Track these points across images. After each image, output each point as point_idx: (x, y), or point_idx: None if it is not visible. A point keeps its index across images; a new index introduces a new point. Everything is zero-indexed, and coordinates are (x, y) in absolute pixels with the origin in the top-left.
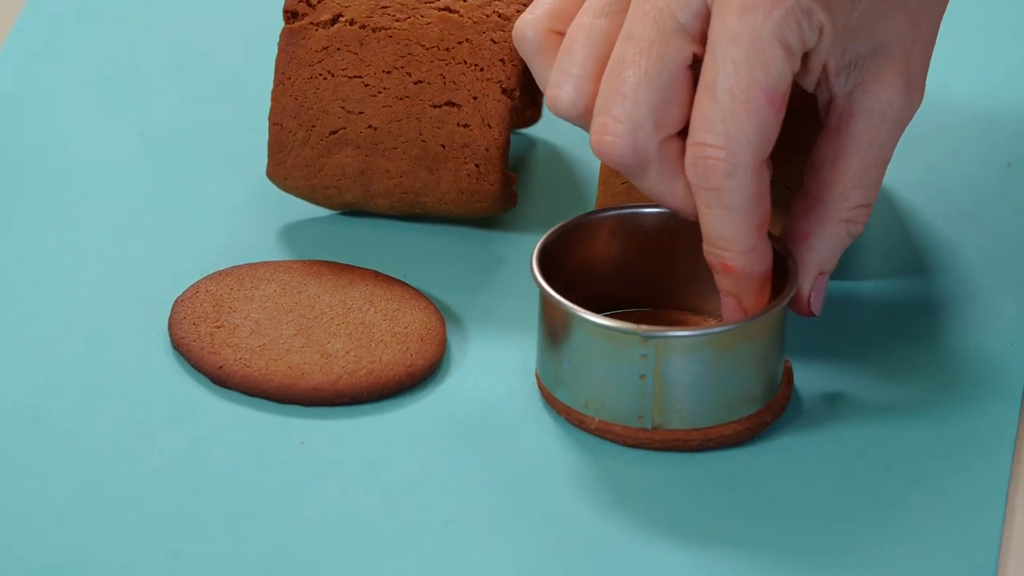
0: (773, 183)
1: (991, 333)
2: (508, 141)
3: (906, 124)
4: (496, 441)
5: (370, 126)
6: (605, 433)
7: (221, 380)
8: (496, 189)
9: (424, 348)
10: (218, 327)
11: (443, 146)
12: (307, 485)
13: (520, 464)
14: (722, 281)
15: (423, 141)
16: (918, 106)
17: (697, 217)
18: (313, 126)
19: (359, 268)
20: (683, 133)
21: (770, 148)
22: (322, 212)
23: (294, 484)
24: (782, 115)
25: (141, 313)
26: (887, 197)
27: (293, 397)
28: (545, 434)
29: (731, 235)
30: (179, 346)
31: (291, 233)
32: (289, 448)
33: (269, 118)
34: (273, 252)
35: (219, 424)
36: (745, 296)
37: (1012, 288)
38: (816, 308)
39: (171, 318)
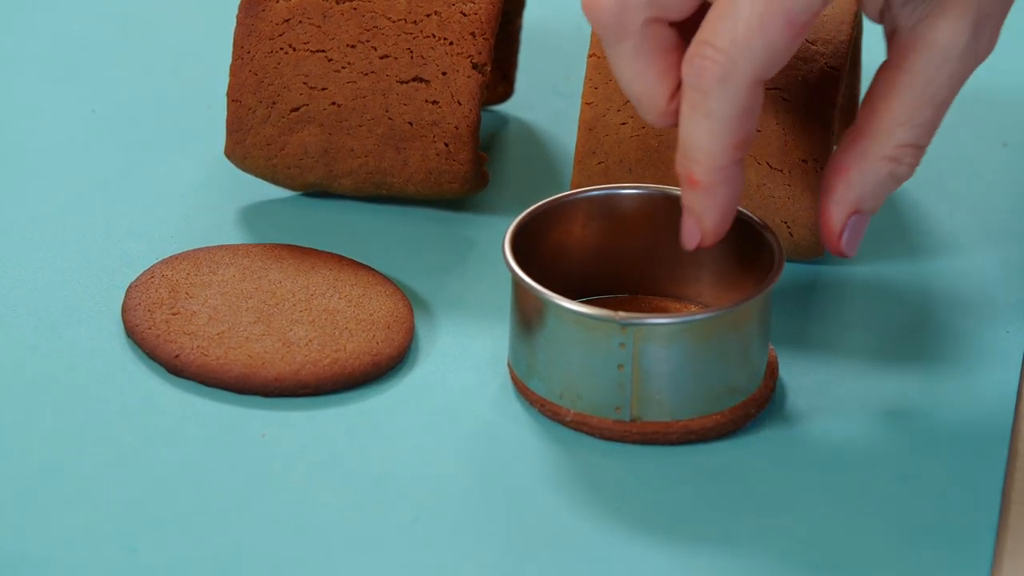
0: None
1: (985, 321)
2: (479, 119)
3: (970, 71)
4: (466, 434)
5: (334, 103)
6: (581, 426)
7: (177, 370)
8: (466, 169)
9: (391, 336)
10: (174, 314)
11: (411, 124)
12: (268, 479)
13: (492, 458)
14: (686, 196)
15: (390, 119)
16: (987, 54)
17: (654, 118)
18: (274, 103)
19: (322, 252)
20: (680, 28)
21: (773, 71)
22: (284, 193)
23: (254, 478)
24: (797, 43)
25: (93, 299)
26: None
27: (253, 387)
28: (518, 427)
29: (706, 146)
30: (133, 334)
31: (251, 215)
32: (249, 441)
33: (227, 94)
34: (232, 235)
35: (176, 416)
36: (706, 217)
37: (1007, 273)
38: (850, 249)
39: (125, 304)
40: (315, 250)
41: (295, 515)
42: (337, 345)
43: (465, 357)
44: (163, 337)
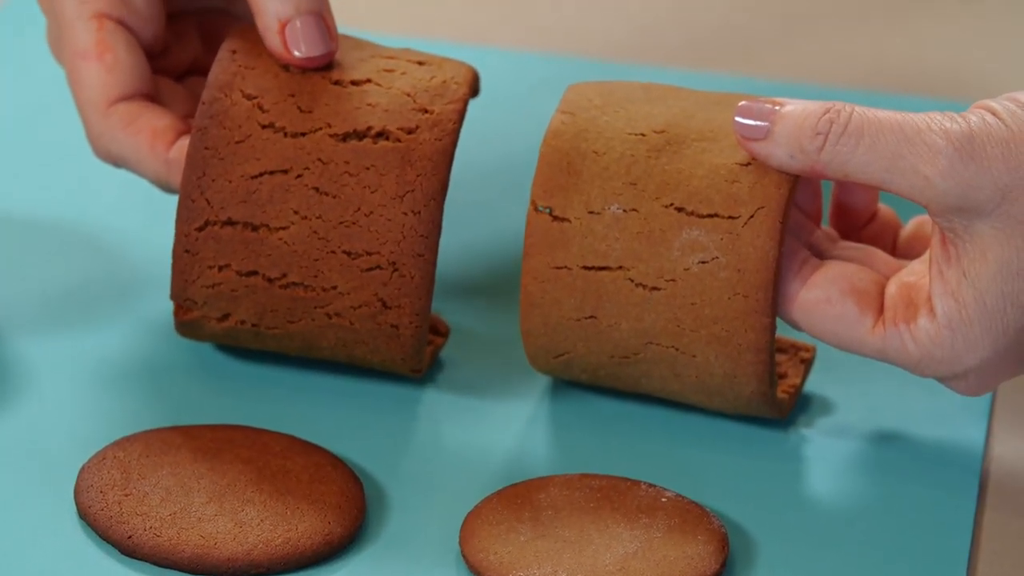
0: None
1: None
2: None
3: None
4: None
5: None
6: None
7: (130, 551)
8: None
9: (342, 516)
10: (126, 495)
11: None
12: None
13: None
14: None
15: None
16: None
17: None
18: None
19: (273, 432)
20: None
21: None
22: (235, 372)
23: None
24: None
25: (45, 481)
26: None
27: (206, 568)
28: None
29: None
30: (86, 515)
31: (202, 393)
32: None
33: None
34: (183, 415)
35: None
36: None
37: None
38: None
39: (77, 485)
40: (266, 431)
41: None
42: (289, 525)
43: (416, 535)
44: (116, 518)
